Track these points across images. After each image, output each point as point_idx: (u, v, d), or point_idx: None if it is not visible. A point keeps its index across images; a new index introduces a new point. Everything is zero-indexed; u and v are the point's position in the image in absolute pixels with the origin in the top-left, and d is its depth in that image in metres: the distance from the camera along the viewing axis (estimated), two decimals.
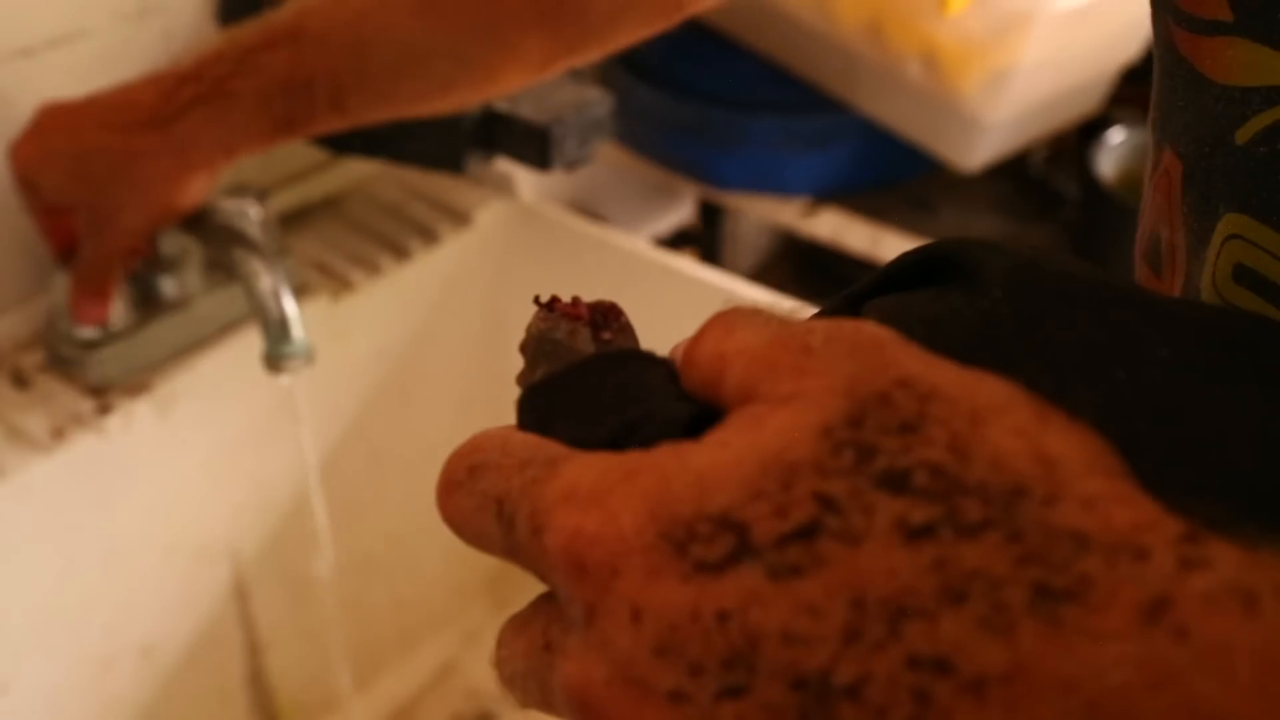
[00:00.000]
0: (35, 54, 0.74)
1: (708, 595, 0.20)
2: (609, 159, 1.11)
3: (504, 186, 0.95)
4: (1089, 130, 1.10)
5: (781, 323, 0.22)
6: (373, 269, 0.87)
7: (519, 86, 0.63)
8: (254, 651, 0.87)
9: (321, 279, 0.85)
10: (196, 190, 0.67)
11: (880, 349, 0.21)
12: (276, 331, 0.65)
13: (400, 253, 0.89)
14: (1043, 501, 0.19)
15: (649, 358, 0.25)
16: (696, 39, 1.10)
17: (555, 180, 1.06)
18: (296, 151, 0.88)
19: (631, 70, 1.09)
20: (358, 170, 0.94)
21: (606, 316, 0.27)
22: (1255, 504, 0.20)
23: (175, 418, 0.76)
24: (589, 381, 0.25)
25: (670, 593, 0.20)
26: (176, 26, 0.80)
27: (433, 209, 0.94)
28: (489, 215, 0.94)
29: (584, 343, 0.26)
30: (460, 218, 0.93)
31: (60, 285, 0.72)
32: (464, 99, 0.64)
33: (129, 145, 0.64)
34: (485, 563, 1.03)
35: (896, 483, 0.19)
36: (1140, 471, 0.20)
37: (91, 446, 0.72)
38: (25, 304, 0.77)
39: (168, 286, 0.76)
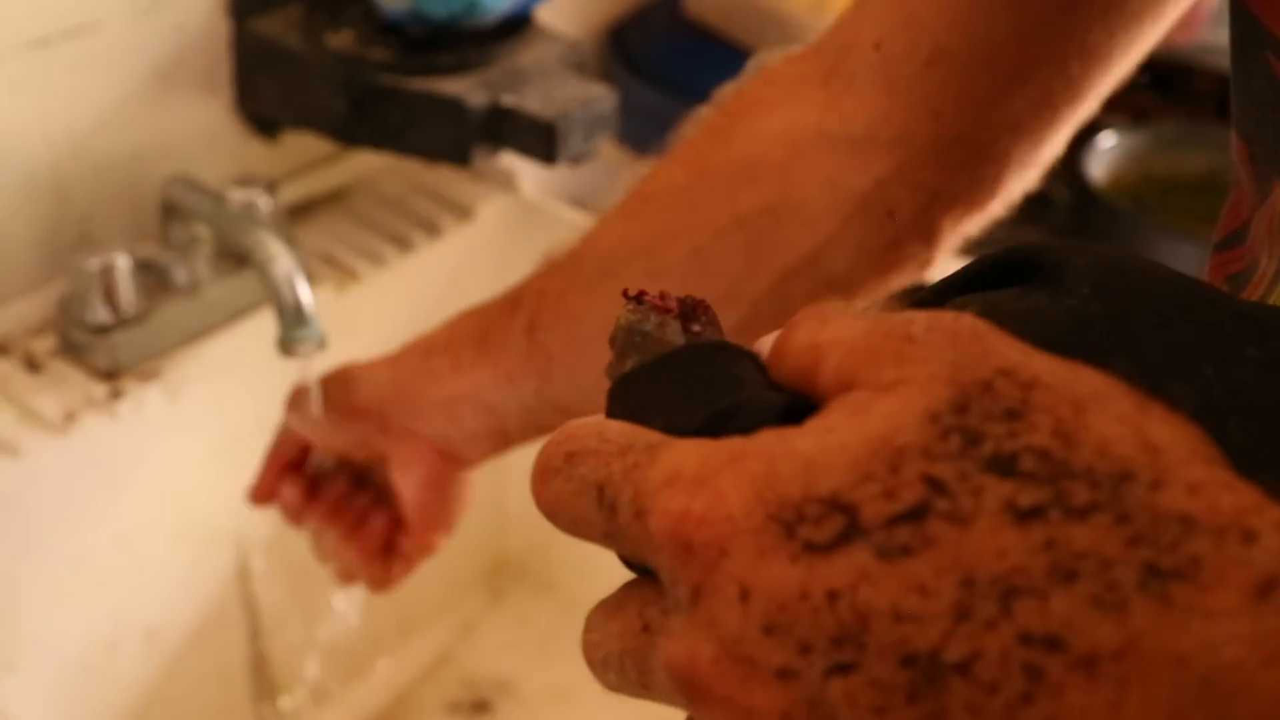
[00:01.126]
0: (50, 44, 0.75)
1: (817, 574, 0.20)
2: (608, 157, 1.13)
3: (505, 182, 0.97)
4: (1080, 135, 1.12)
5: (877, 315, 0.23)
6: (377, 260, 0.89)
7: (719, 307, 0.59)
8: (256, 636, 0.88)
9: (327, 270, 0.87)
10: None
11: (980, 338, 0.22)
12: (291, 316, 0.66)
13: (404, 245, 0.91)
14: (1149, 486, 0.19)
15: (738, 350, 0.25)
16: (696, 40, 1.12)
17: (555, 176, 1.08)
18: (303, 144, 0.89)
19: (631, 69, 1.11)
20: (362, 164, 0.95)
21: (695, 310, 0.27)
22: None
23: (185, 403, 0.77)
24: (680, 372, 0.25)
25: (779, 572, 0.20)
26: (189, 21, 0.82)
27: (436, 203, 0.95)
28: (491, 209, 0.95)
29: (674, 334, 0.27)
30: (463, 211, 0.95)
31: (75, 270, 0.74)
32: None
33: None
34: (483, 554, 1.04)
35: (1004, 466, 0.20)
36: (1236, 458, 0.20)
37: (103, 430, 0.73)
38: (38, 289, 0.78)
39: (178, 273, 0.77)
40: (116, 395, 0.74)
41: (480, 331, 0.59)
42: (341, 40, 0.83)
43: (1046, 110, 0.49)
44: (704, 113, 0.56)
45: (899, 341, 0.22)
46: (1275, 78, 0.33)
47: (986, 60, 0.46)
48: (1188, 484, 0.19)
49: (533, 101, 0.80)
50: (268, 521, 0.87)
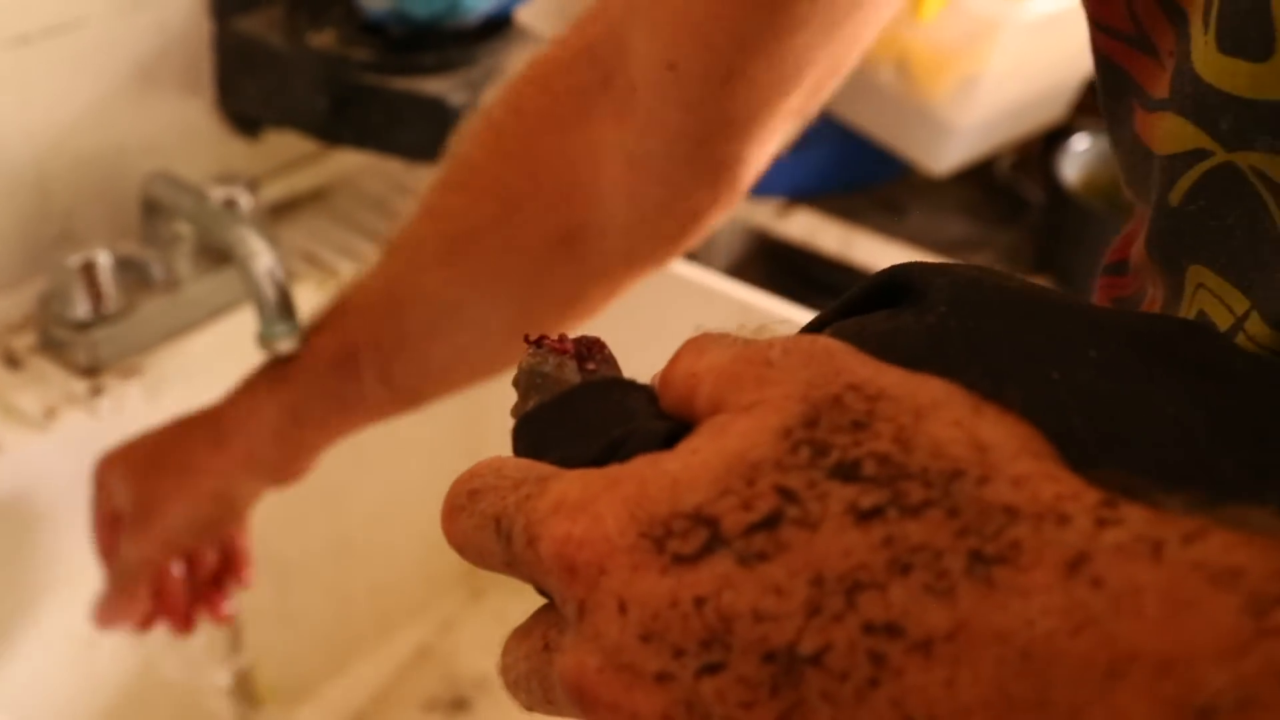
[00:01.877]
0: (32, 42, 0.75)
1: (685, 584, 0.22)
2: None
3: None
4: (1053, 137, 1.13)
5: (746, 342, 0.25)
6: (358, 259, 0.89)
7: (554, 323, 0.59)
8: (234, 633, 0.88)
9: (308, 268, 0.87)
10: (241, 487, 0.66)
11: (833, 357, 0.24)
12: (272, 312, 0.66)
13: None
14: (977, 481, 0.21)
15: (630, 384, 0.28)
16: None
17: None
18: (285, 143, 0.90)
19: None
20: (343, 163, 0.95)
21: (590, 349, 0.29)
22: (1165, 477, 0.22)
23: (165, 399, 0.78)
24: (576, 408, 0.27)
25: (652, 584, 0.22)
26: (170, 19, 0.82)
27: (415, 202, 0.95)
28: None
29: (570, 374, 0.29)
30: None
31: (56, 267, 0.74)
32: (503, 347, 0.60)
33: (181, 436, 0.65)
34: None
35: (847, 472, 0.22)
36: (1074, 458, 0.22)
37: (83, 426, 0.74)
38: (18, 286, 0.78)
39: (159, 270, 0.78)
40: (97, 392, 0.75)
41: (335, 398, 0.62)
42: (323, 39, 0.83)
43: (788, 116, 0.53)
44: (480, 125, 0.58)
45: (758, 366, 0.24)
46: (1132, 124, 0.35)
47: (769, 74, 0.49)
48: (1012, 477, 0.21)
49: None
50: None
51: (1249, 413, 0.24)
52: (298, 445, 0.64)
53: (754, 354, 0.24)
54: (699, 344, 0.26)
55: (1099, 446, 0.23)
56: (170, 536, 0.67)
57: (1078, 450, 0.22)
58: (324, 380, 0.62)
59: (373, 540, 0.98)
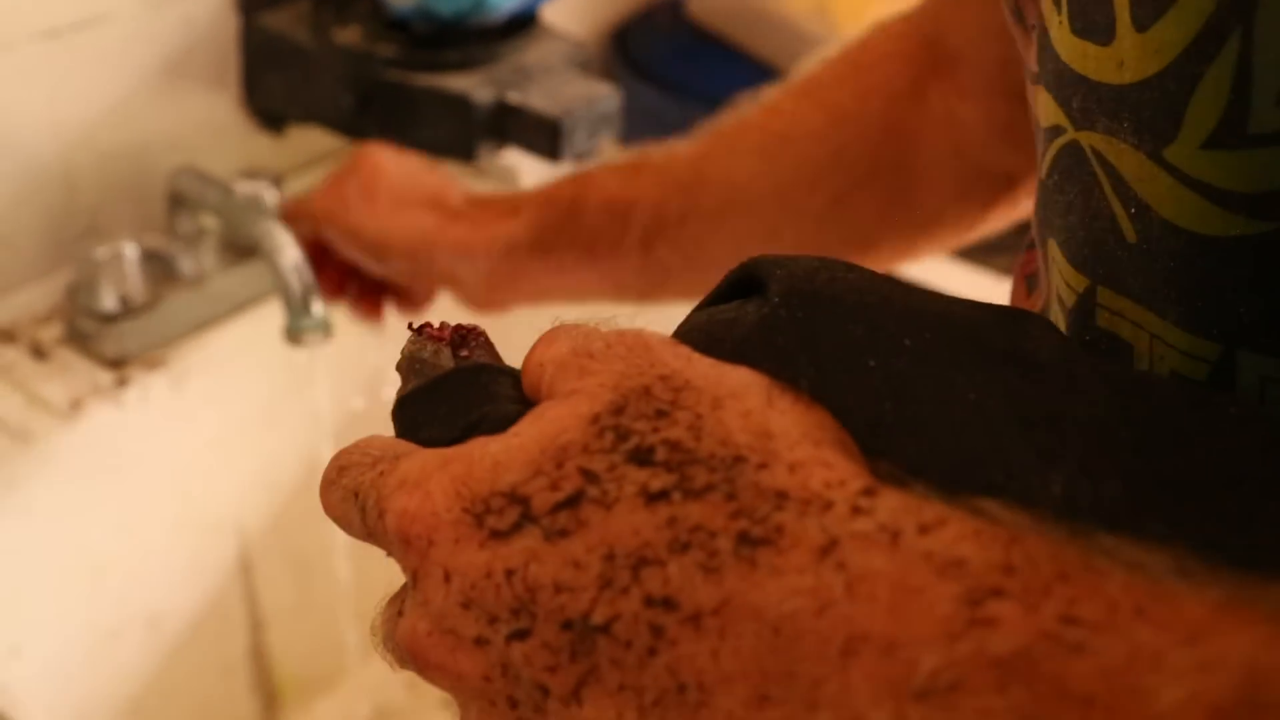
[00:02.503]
0: (61, 35, 0.76)
1: (499, 557, 0.24)
2: (610, 155, 1.14)
3: (507, 179, 0.98)
4: None
5: (585, 333, 0.27)
6: None
7: (840, 255, 0.61)
8: (256, 627, 0.89)
9: None
10: (453, 264, 0.64)
11: (649, 350, 0.26)
12: (298, 305, 0.67)
13: None
14: (757, 467, 0.23)
15: (498, 369, 0.29)
16: (698, 43, 1.13)
17: (556, 173, 1.08)
18: (309, 139, 0.90)
19: (634, 71, 1.11)
20: None
21: (466, 337, 0.31)
22: (959, 460, 0.24)
23: (189, 392, 0.78)
24: (445, 392, 0.29)
25: (471, 556, 0.24)
26: (198, 14, 0.82)
27: None
28: None
29: (445, 360, 0.31)
30: None
31: (82, 260, 0.74)
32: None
33: (446, 228, 0.64)
34: None
35: (642, 457, 0.24)
36: (879, 445, 0.24)
37: (108, 418, 0.74)
38: (45, 279, 0.79)
39: (185, 263, 0.78)
40: (122, 384, 0.75)
41: (587, 239, 0.61)
42: (349, 36, 0.84)
43: None
44: (837, 51, 0.59)
45: (582, 357, 0.26)
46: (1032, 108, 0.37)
47: None
48: (790, 463, 0.23)
49: (538, 99, 0.81)
50: (268, 512, 0.87)
51: (1045, 398, 0.25)
52: (520, 270, 0.62)
53: (581, 346, 0.27)
54: (553, 334, 0.28)
55: (903, 430, 0.24)
56: (375, 248, 0.65)
57: (884, 436, 0.24)
58: (588, 218, 0.60)
59: None
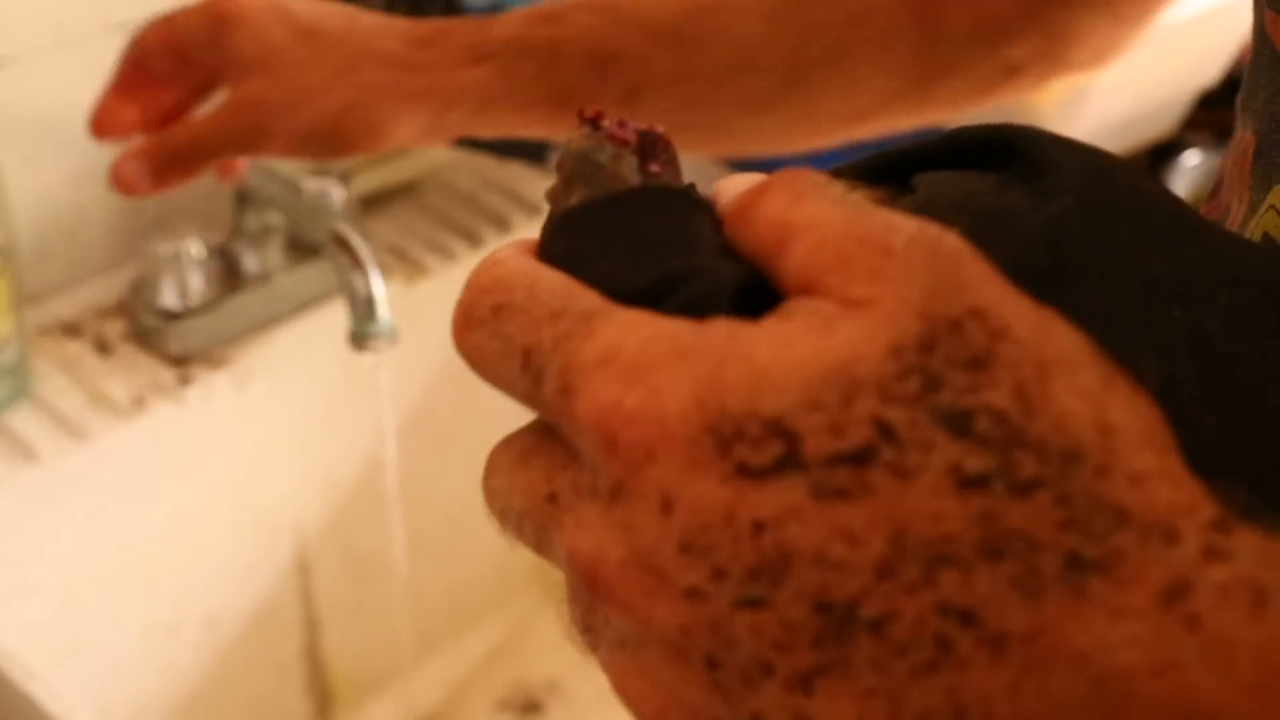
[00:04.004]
0: (132, 27, 0.75)
1: (746, 501, 0.19)
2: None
3: None
4: (1160, 153, 1.10)
5: (857, 208, 0.21)
6: (447, 255, 0.88)
7: (867, 124, 0.55)
8: (311, 627, 0.88)
9: (397, 263, 0.86)
10: (403, 127, 0.54)
11: (959, 266, 0.20)
12: (364, 310, 0.66)
13: (473, 240, 0.90)
14: (1095, 471, 0.19)
15: (696, 201, 0.23)
16: None
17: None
18: None
19: None
20: (434, 157, 0.95)
21: (655, 146, 0.25)
22: (1255, 464, 0.20)
23: (252, 391, 0.77)
24: (631, 217, 0.23)
25: (707, 491, 0.19)
26: None
27: (506, 198, 0.94)
28: None
29: (629, 171, 0.24)
30: (532, 208, 0.94)
31: (148, 255, 0.74)
32: (781, 127, 0.55)
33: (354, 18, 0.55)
34: None
35: (959, 424, 0.19)
36: (1181, 424, 0.20)
37: (171, 416, 0.73)
38: (110, 272, 0.79)
39: (250, 262, 0.77)
40: (185, 381, 0.74)
41: (563, 92, 0.53)
42: None
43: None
44: None
45: (876, 253, 0.20)
46: (1263, 27, 0.33)
47: None
48: (1132, 474, 0.19)
49: None
50: (325, 513, 0.87)
51: None
52: (480, 122, 0.54)
53: (872, 234, 0.20)
54: (795, 184, 0.21)
55: (1203, 407, 0.20)
56: (267, 141, 0.54)
57: (1177, 409, 0.20)
58: (566, 69, 0.53)
59: (449, 538, 0.97)
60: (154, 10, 0.75)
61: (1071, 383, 0.19)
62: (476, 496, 0.25)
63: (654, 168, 0.24)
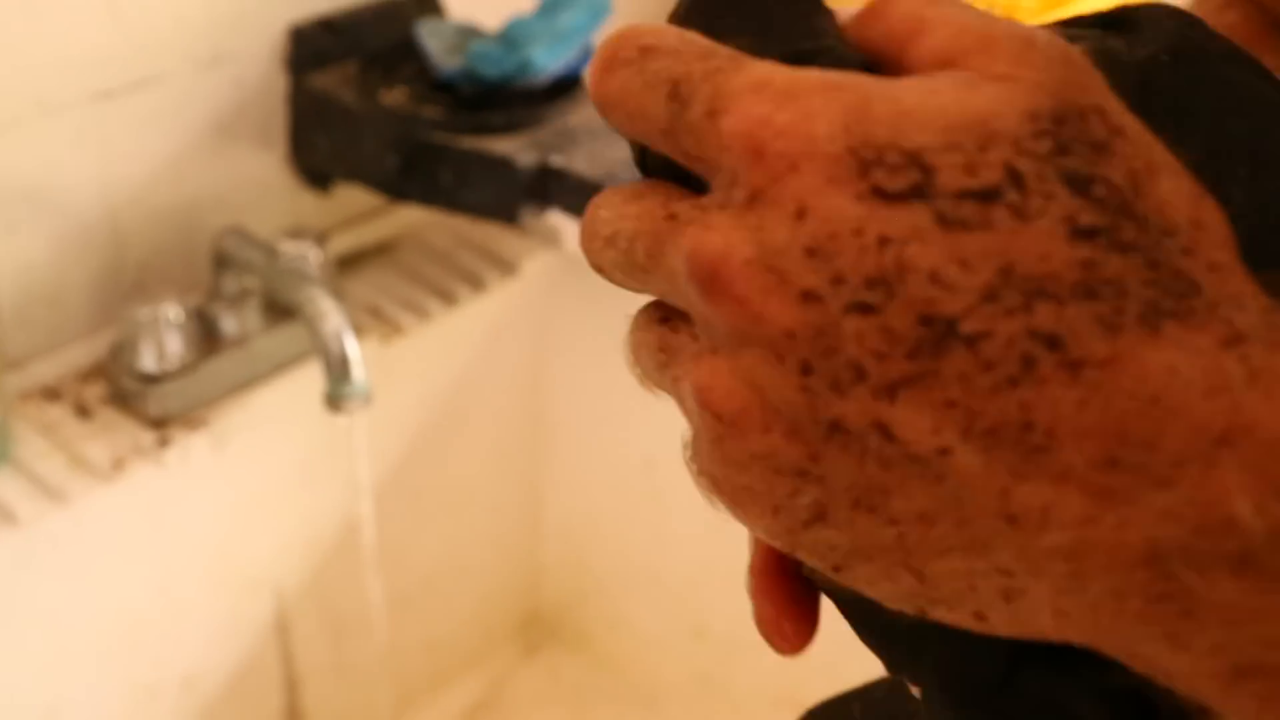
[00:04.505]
0: (114, 97, 0.77)
1: (876, 218, 0.21)
2: None
3: (551, 238, 0.98)
4: None
5: (989, 16, 0.23)
6: (422, 314, 0.90)
7: None
8: (292, 687, 0.89)
9: (372, 322, 0.87)
10: None
11: (1088, 72, 0.23)
12: (339, 373, 0.67)
13: (448, 299, 0.92)
14: (1183, 250, 0.22)
15: (820, 2, 0.25)
16: None
17: None
18: (354, 196, 0.90)
19: None
20: (411, 217, 0.96)
21: None
22: None
23: (230, 452, 0.78)
24: (763, 4, 0.24)
25: (841, 204, 0.21)
26: (248, 74, 0.83)
27: (481, 257, 0.96)
28: (535, 265, 0.96)
29: None
30: (507, 267, 0.95)
31: (127, 320, 0.75)
32: None
33: None
34: (515, 607, 1.04)
35: (1080, 184, 0.21)
36: (1251, 210, 0.23)
37: (150, 478, 0.74)
38: (90, 337, 0.80)
39: (228, 323, 0.78)
40: (164, 443, 0.75)
41: None
42: (395, 97, 0.84)
43: None
44: None
45: (1020, 42, 0.22)
46: None
47: None
48: (1211, 261, 0.22)
49: (580, 162, 0.81)
50: (304, 573, 0.87)
51: None
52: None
53: (1015, 28, 0.23)
54: None
55: (1261, 252, 0.23)
56: None
57: (1259, 245, 0.23)
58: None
59: (428, 596, 0.98)
60: (136, 78, 0.77)
61: (1173, 184, 0.22)
62: (455, 553, 0.26)
63: None
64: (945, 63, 0.23)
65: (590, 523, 1.02)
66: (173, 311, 0.75)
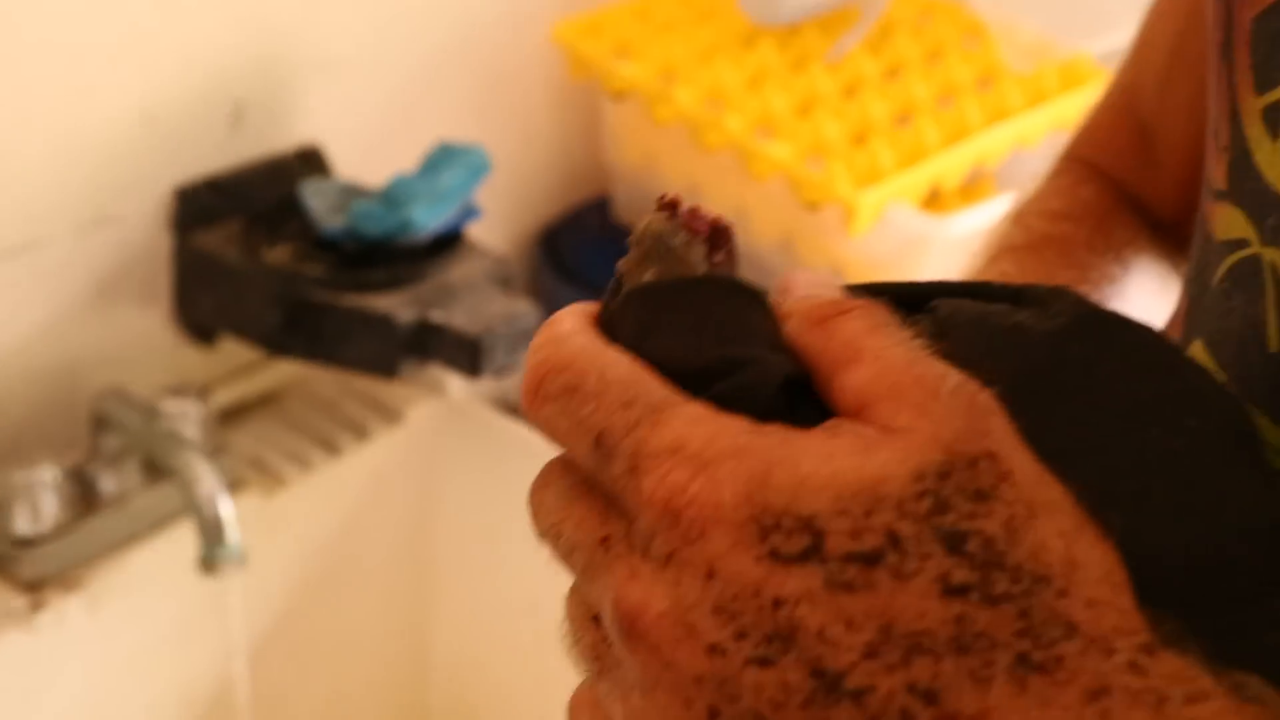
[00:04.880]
0: None
1: (773, 580, 0.24)
2: None
3: (435, 386, 1.00)
4: None
5: (918, 352, 0.26)
6: (305, 465, 0.90)
7: None
8: None
9: (255, 475, 0.88)
10: None
11: (988, 415, 0.25)
12: (212, 535, 0.68)
13: (332, 449, 0.93)
14: (1057, 593, 0.24)
15: (754, 294, 0.27)
16: (624, 245, 1.17)
17: (488, 382, 1.11)
18: (238, 348, 0.92)
19: (564, 274, 1.15)
20: (296, 367, 0.97)
21: (721, 237, 0.28)
22: (1200, 575, 0.25)
23: (106, 614, 0.78)
24: (697, 302, 0.26)
25: (744, 567, 0.24)
26: (131, 236, 0.85)
27: (365, 406, 0.97)
28: (419, 413, 0.98)
29: (697, 258, 0.27)
30: (391, 415, 0.97)
31: (1, 483, 0.75)
32: None
33: None
34: (406, 709, 1.03)
35: (954, 541, 0.23)
36: (1140, 522, 0.25)
37: (21, 644, 0.74)
38: None
39: (106, 483, 0.79)
40: (37, 607, 0.75)
41: None
42: (279, 255, 0.87)
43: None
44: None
45: (926, 393, 0.25)
46: (1205, 216, 0.38)
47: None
48: (1088, 599, 0.24)
49: (459, 317, 0.84)
50: None
51: None
52: None
53: (926, 375, 0.25)
54: (873, 316, 0.26)
55: (1168, 516, 0.25)
56: None
57: (1148, 517, 0.25)
58: None
59: None
60: (17, 242, 0.77)
61: (1052, 524, 0.24)
62: (340, 703, 0.27)
63: (718, 257, 0.28)
64: (859, 406, 0.25)
65: (477, 667, 1.02)
66: (49, 473, 0.75)
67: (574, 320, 0.28)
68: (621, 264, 0.29)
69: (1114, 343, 0.27)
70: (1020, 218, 0.56)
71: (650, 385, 0.26)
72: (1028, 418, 0.25)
